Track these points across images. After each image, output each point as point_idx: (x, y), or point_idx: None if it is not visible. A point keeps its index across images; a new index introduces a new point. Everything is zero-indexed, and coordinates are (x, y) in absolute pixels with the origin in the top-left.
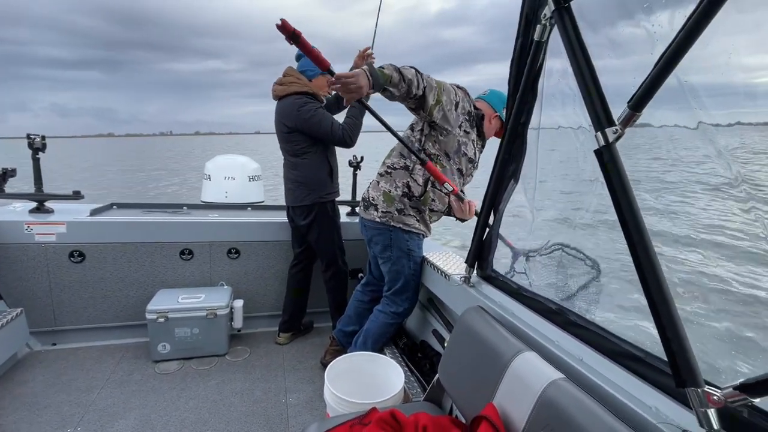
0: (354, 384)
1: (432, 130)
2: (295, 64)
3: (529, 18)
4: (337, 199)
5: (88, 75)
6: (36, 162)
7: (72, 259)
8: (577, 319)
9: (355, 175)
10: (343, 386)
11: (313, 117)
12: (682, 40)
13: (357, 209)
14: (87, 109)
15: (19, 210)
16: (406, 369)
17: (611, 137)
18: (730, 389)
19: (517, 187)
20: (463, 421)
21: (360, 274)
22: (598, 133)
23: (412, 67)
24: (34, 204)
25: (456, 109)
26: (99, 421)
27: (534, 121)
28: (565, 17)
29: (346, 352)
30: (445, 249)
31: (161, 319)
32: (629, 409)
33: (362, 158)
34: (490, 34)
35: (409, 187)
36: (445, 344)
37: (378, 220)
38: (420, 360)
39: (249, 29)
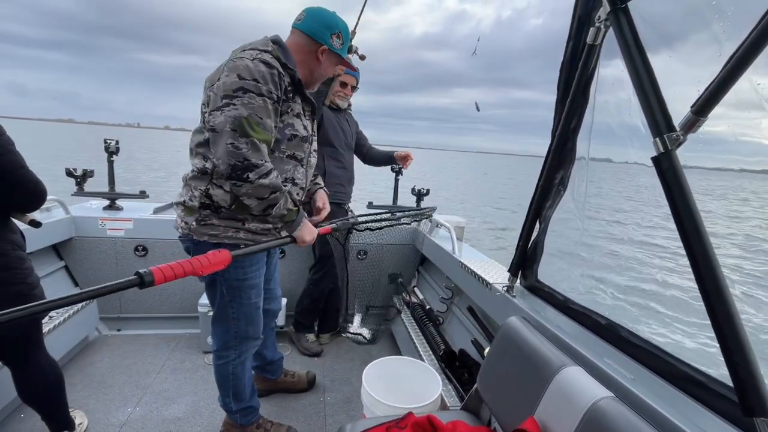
0: (391, 388)
1: None
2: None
3: (582, 20)
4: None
5: (52, 56)
6: (110, 164)
7: (137, 252)
8: (629, 335)
9: (396, 181)
10: (380, 389)
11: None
12: (756, 37)
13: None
14: (49, 91)
15: (94, 207)
16: (444, 377)
17: (671, 144)
18: None
19: (565, 194)
20: None
21: (399, 279)
22: (657, 140)
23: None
24: (107, 202)
25: (277, 116)
26: (155, 403)
27: (585, 127)
28: (621, 19)
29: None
30: (485, 256)
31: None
32: None
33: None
34: (470, 60)
35: (209, 195)
36: (485, 354)
37: (179, 231)
38: (458, 368)
39: (230, 28)
